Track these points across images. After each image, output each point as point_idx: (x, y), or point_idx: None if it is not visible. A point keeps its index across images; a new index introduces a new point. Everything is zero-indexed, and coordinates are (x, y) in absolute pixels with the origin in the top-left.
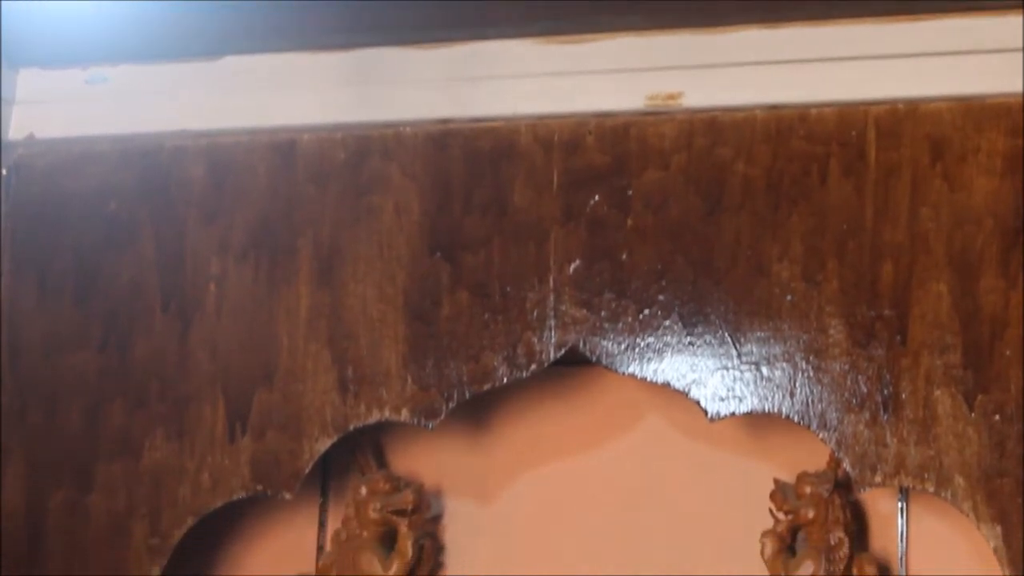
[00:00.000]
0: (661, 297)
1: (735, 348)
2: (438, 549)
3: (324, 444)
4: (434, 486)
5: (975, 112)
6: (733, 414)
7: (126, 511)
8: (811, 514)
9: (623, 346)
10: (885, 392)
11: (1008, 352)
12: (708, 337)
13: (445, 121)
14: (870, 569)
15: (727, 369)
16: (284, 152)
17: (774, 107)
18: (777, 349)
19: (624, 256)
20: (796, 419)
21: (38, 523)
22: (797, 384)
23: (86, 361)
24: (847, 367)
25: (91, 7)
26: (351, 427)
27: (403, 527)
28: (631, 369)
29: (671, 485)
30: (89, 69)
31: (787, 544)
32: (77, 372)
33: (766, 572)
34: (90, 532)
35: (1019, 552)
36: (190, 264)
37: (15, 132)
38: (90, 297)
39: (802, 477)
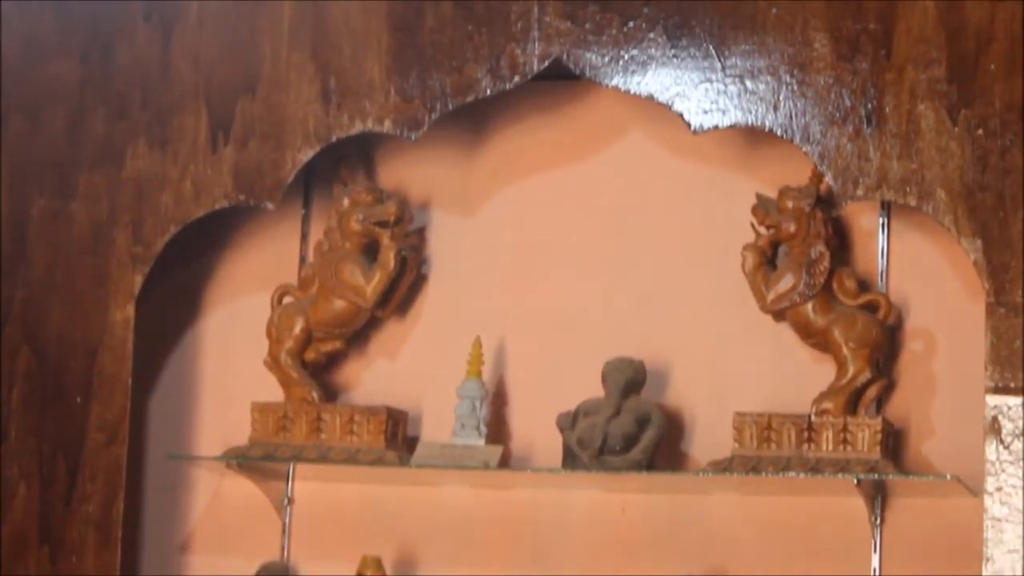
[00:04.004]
0: (646, 9)
1: (719, 61)
2: (421, 261)
3: (307, 154)
4: (419, 199)
5: None
6: (716, 127)
7: (108, 219)
8: (792, 228)
9: (607, 58)
10: (869, 106)
11: (993, 66)
12: (692, 50)
13: None
14: (850, 283)
15: (711, 82)
16: None
17: None
18: (761, 62)
19: None
20: (779, 132)
21: (21, 230)
22: (781, 97)
23: (68, 70)
24: (831, 81)
25: None
26: (334, 138)
27: (385, 238)
28: (615, 82)
29: (653, 200)
30: None
31: (768, 258)
32: (59, 81)
33: (746, 285)
34: (73, 240)
35: (999, 266)
36: None
37: None
38: (71, 6)
39: (784, 191)
